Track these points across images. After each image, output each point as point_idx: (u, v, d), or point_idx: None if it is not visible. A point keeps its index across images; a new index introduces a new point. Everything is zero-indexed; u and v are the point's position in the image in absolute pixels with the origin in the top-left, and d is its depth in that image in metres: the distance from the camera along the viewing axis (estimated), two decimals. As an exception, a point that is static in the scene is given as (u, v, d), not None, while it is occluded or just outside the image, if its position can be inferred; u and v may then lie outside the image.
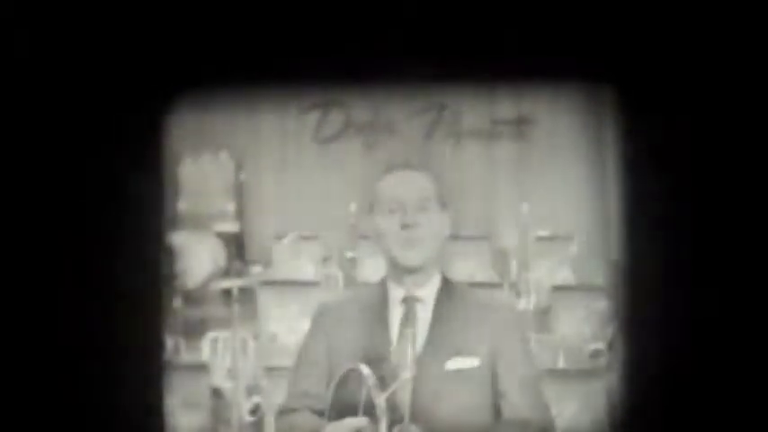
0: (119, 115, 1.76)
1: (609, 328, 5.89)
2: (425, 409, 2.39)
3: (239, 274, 8.02)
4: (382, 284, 2.55)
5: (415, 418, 2.37)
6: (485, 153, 9.22)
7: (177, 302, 6.94)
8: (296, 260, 7.84)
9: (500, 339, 2.44)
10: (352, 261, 8.15)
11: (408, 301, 2.48)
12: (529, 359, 2.50)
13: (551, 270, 7.68)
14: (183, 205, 8.67)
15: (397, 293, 2.50)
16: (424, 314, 2.47)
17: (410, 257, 2.46)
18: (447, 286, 2.52)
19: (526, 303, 6.98)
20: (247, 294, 6.33)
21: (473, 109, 9.15)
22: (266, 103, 8.85)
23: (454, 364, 2.42)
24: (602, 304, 6.22)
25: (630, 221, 1.79)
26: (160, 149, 1.79)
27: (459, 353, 2.43)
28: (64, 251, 1.76)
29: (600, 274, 6.87)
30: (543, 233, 8.30)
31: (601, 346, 5.92)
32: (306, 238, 7.87)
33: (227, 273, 7.96)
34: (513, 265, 8.09)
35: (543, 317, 6.65)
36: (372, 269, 7.95)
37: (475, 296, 2.57)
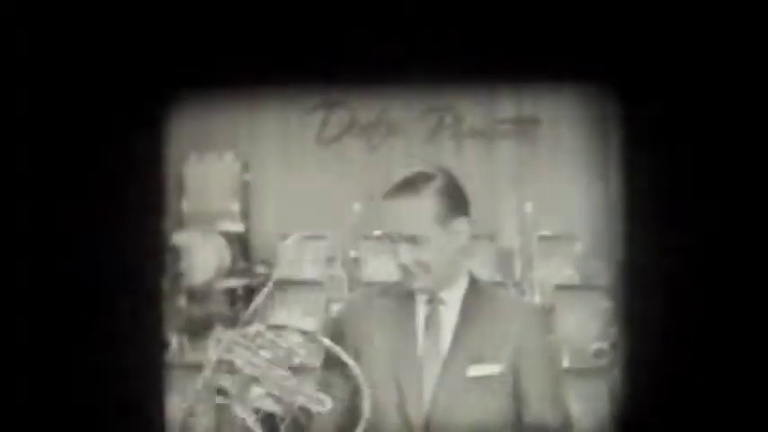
0: (120, 115, 1.76)
1: (612, 327, 5.88)
2: (445, 413, 2.37)
3: (244, 274, 8.02)
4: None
5: (433, 422, 2.36)
6: (488, 153, 9.21)
7: (182, 301, 6.94)
8: (300, 260, 7.83)
9: (524, 341, 2.41)
10: (357, 261, 8.15)
11: (433, 303, 2.44)
12: (552, 361, 2.49)
13: (555, 269, 7.67)
14: (187, 205, 8.67)
15: (422, 294, 2.45)
16: (450, 316, 2.44)
17: (418, 285, 2.42)
18: (474, 287, 2.48)
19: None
20: (252, 294, 6.33)
21: (476, 109, 9.14)
22: (271, 104, 8.85)
23: (477, 370, 2.39)
24: (605, 304, 6.21)
25: (633, 221, 1.79)
26: (162, 149, 1.79)
27: (482, 358, 2.40)
28: (65, 251, 1.76)
29: (603, 273, 6.87)
30: (547, 233, 8.29)
31: (604, 345, 5.91)
32: (310, 238, 7.87)
33: (231, 272, 7.96)
34: (517, 264, 8.08)
35: (547, 316, 6.64)
36: (376, 269, 7.96)
37: (501, 297, 2.54)
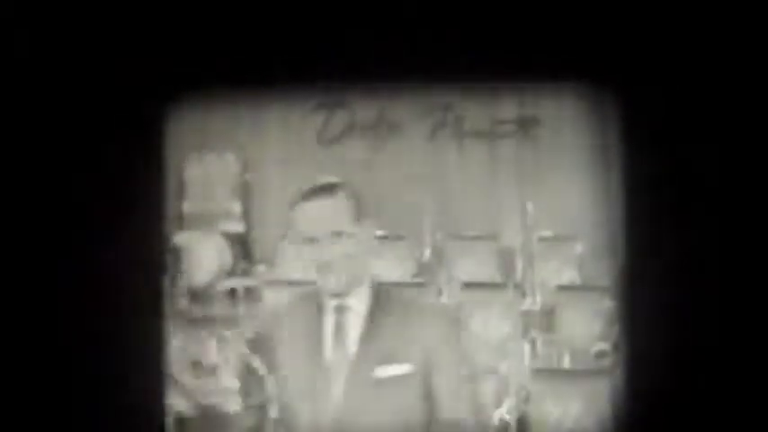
0: (120, 115, 1.76)
1: (614, 328, 5.88)
2: (354, 415, 2.44)
3: (245, 274, 8.01)
4: (318, 292, 2.61)
5: (343, 423, 2.43)
6: (489, 153, 9.20)
7: (182, 302, 6.93)
8: (301, 260, 7.82)
9: (433, 341, 2.48)
10: (357, 261, 8.13)
11: (339, 310, 2.54)
12: (462, 360, 2.52)
13: (556, 270, 7.66)
14: (188, 205, 8.66)
15: (329, 302, 2.56)
16: (357, 321, 2.52)
17: (329, 284, 2.53)
18: (381, 290, 2.58)
19: (531, 303, 6.97)
20: (253, 294, 6.32)
21: (477, 109, 9.13)
22: (271, 104, 8.85)
23: (385, 371, 2.47)
24: (607, 304, 6.21)
25: (633, 221, 1.78)
26: (162, 149, 1.79)
27: (390, 359, 2.46)
28: (66, 251, 1.76)
29: (605, 274, 6.86)
30: (548, 233, 8.28)
31: (606, 346, 5.90)
32: (310, 240, 7.85)
33: (232, 272, 7.95)
34: (518, 265, 8.07)
35: (548, 317, 6.63)
36: (377, 268, 7.95)
37: (407, 299, 2.62)
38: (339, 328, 2.52)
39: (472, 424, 2.48)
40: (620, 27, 1.76)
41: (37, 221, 1.75)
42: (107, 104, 1.77)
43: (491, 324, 6.33)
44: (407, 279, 7.74)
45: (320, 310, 2.56)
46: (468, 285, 6.65)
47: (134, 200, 1.78)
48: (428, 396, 2.47)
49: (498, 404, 4.85)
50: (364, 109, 9.12)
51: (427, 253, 8.42)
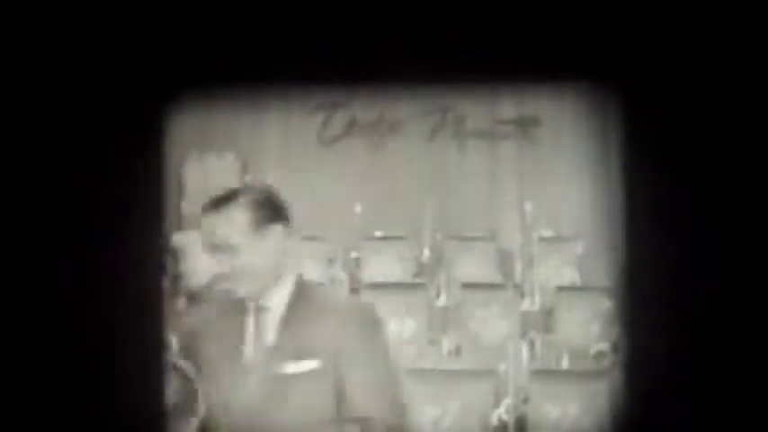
0: (120, 115, 1.76)
1: (613, 329, 5.88)
2: (267, 411, 2.50)
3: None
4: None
5: (257, 419, 2.50)
6: (489, 154, 9.22)
7: (181, 303, 6.93)
8: (301, 261, 7.84)
9: (346, 338, 2.51)
10: (357, 261, 8.16)
11: (258, 311, 2.57)
12: (375, 359, 2.56)
13: (556, 271, 7.68)
14: (187, 206, 8.67)
15: (250, 303, 2.59)
16: (275, 319, 2.56)
17: (239, 293, 2.56)
18: (301, 289, 2.60)
19: (530, 304, 6.98)
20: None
21: (477, 110, 9.15)
22: (271, 105, 8.86)
23: (295, 367, 2.50)
24: (606, 305, 6.21)
25: (633, 221, 1.79)
26: (161, 149, 1.79)
27: (300, 355, 2.51)
28: (65, 251, 1.76)
29: (604, 274, 6.87)
30: (547, 234, 8.30)
31: (605, 347, 5.91)
32: (310, 239, 7.88)
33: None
34: (518, 265, 8.08)
35: (547, 317, 6.64)
36: (377, 269, 7.96)
37: (326, 297, 2.67)
38: (257, 328, 2.57)
39: (390, 424, 2.51)
40: (621, 27, 1.76)
41: (36, 221, 1.75)
42: (106, 104, 1.76)
43: (490, 324, 6.33)
44: (407, 279, 7.76)
45: (243, 310, 2.59)
46: (468, 286, 6.66)
47: (134, 200, 1.78)
48: (339, 394, 2.50)
49: (497, 404, 4.86)
50: (364, 109, 9.13)
51: (426, 253, 8.43)
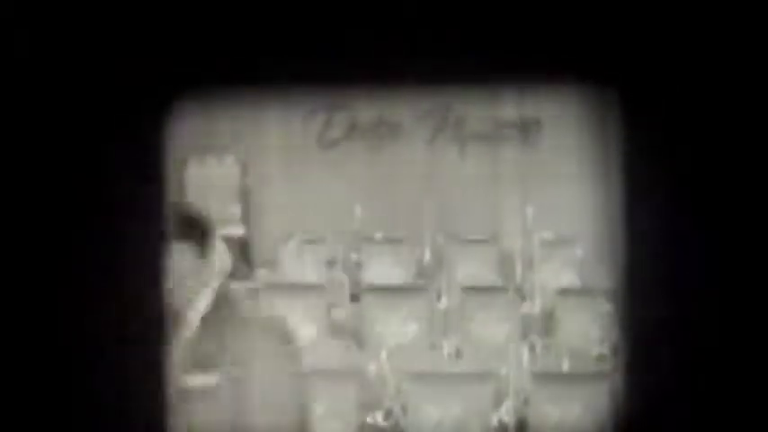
0: (120, 116, 1.75)
1: (614, 331, 5.88)
2: (181, 421, 2.50)
3: (245, 278, 8.01)
4: None
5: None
6: (489, 156, 9.20)
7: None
8: (301, 263, 7.83)
9: (252, 349, 2.54)
10: (358, 264, 8.14)
11: (178, 319, 2.58)
12: (284, 367, 2.56)
13: (556, 273, 7.66)
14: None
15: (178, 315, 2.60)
16: (188, 329, 2.58)
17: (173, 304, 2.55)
18: (220, 300, 2.62)
19: (531, 307, 6.97)
20: (253, 298, 6.32)
21: (477, 112, 9.14)
22: (271, 107, 8.85)
23: (194, 380, 2.52)
24: (607, 308, 6.20)
25: (633, 224, 1.78)
26: (162, 151, 1.79)
27: (200, 368, 2.53)
28: (65, 253, 1.76)
29: (605, 277, 6.86)
30: (548, 236, 8.28)
31: (605, 349, 5.90)
32: (311, 242, 7.86)
33: (232, 276, 7.94)
34: (518, 268, 8.07)
35: (548, 320, 6.63)
36: (377, 272, 7.95)
37: (239, 307, 2.69)
38: (176, 338, 2.58)
39: (285, 425, 2.52)
40: (621, 29, 1.76)
41: (36, 221, 1.75)
42: (107, 105, 1.76)
43: (491, 327, 6.33)
44: (408, 281, 7.75)
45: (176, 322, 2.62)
46: (468, 288, 6.65)
47: (134, 200, 1.78)
48: (238, 404, 2.52)
49: (497, 407, 4.85)
50: (364, 111, 9.12)
51: (427, 255, 8.42)
